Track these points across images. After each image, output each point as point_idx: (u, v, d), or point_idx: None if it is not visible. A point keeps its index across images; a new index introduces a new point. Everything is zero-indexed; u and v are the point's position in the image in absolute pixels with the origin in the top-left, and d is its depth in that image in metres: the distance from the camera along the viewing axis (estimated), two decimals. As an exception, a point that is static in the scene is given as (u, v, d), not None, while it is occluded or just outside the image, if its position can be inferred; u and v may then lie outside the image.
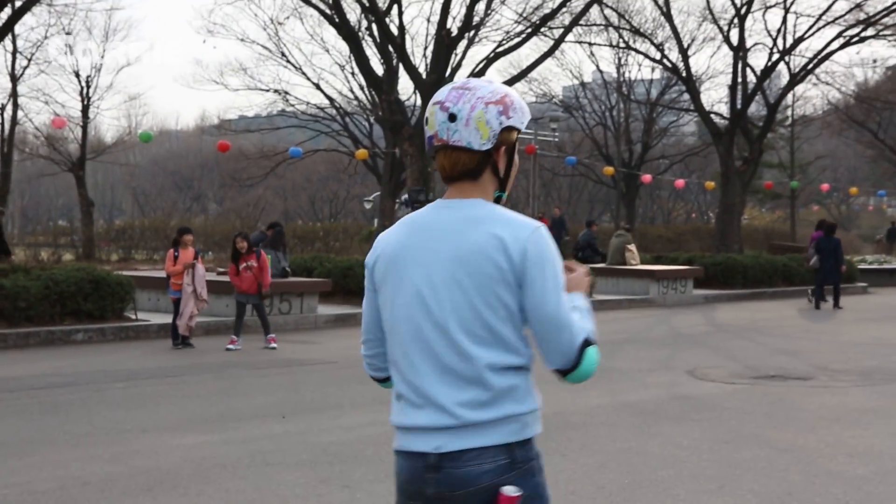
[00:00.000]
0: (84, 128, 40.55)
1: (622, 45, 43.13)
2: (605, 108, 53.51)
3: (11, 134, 38.41)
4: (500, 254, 2.79)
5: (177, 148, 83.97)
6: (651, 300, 23.57)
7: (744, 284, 26.34)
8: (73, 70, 40.37)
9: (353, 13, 32.40)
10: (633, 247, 25.90)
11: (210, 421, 9.27)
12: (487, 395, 2.80)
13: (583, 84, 53.45)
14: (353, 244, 37.35)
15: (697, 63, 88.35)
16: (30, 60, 38.05)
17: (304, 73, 40.27)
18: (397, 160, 30.62)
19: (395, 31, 28.93)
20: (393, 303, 2.90)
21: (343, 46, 35.42)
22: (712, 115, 36.86)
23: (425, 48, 34.88)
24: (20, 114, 38.80)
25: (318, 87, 40.48)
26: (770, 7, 35.60)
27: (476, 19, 29.31)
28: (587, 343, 2.94)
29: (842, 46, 34.60)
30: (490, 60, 29.43)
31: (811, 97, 79.85)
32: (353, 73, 39.49)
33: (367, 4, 27.83)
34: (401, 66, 28.99)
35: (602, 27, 40.46)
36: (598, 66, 52.57)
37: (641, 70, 53.89)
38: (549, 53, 31.34)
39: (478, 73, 29.24)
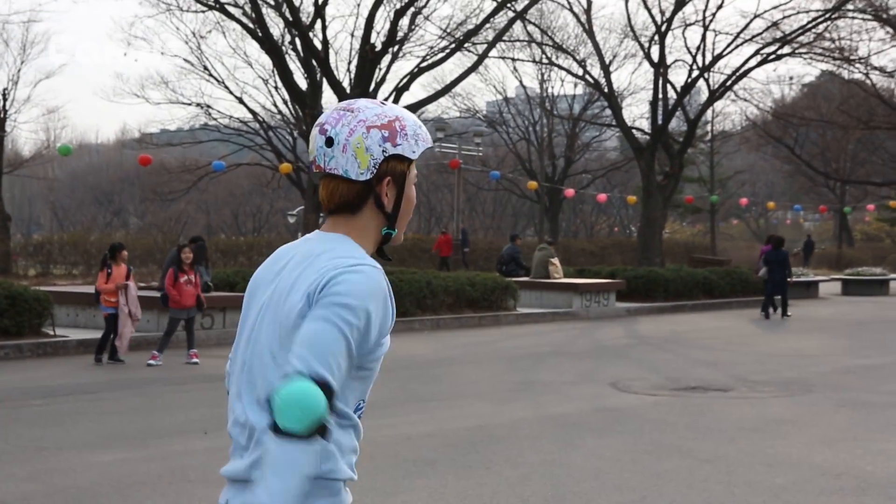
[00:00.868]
0: (0, 141, 39.79)
1: (545, 60, 43.62)
2: (529, 123, 53.95)
3: (-75, 147, 37.57)
4: (307, 288, 2.45)
5: (97, 162, 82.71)
6: (574, 313, 23.74)
7: (665, 297, 26.65)
8: (-11, 82, 39.65)
9: (276, 27, 32.27)
10: (556, 260, 26.06)
11: (130, 438, 9.12)
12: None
13: (506, 99, 53.86)
14: (277, 259, 37.05)
15: (619, 79, 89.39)
16: (-56, 72, 37.38)
17: (226, 87, 39.93)
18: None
19: (318, 45, 28.87)
20: (238, 338, 2.63)
21: (266, 60, 35.23)
22: (634, 131, 37.30)
23: (349, 62, 34.80)
24: (-66, 126, 38.00)
25: (241, 100, 40.16)
26: (689, 25, 36.18)
27: (400, 34, 29.37)
28: (320, 381, 2.31)
29: (759, 64, 35.27)
30: (414, 75, 29.54)
31: (730, 113, 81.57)
32: (276, 88, 39.26)
33: (291, 19, 27.77)
34: (325, 80, 28.91)
35: (525, 43, 40.87)
36: (521, 82, 53.08)
37: (564, 86, 54.77)
38: (473, 69, 31.57)
39: (402, 87, 29.31)
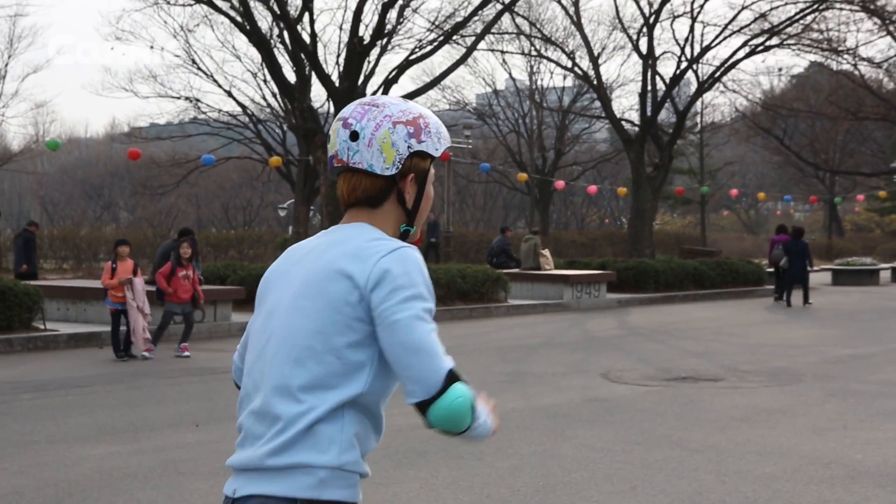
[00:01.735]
0: (-11, 136, 39.70)
1: (534, 53, 43.60)
2: (518, 116, 53.97)
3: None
4: (346, 276, 2.44)
5: (86, 156, 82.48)
6: (565, 304, 23.77)
7: (656, 288, 26.69)
8: (-24, 78, 39.51)
9: (264, 21, 32.21)
10: (546, 252, 26.12)
11: (121, 431, 9.12)
12: (285, 431, 2.44)
13: (496, 91, 53.85)
14: (268, 252, 37.10)
15: (608, 71, 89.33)
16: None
17: (215, 81, 39.89)
18: (311, 168, 30.47)
19: (307, 38, 28.80)
20: (251, 326, 2.64)
21: (255, 54, 35.20)
22: (623, 122, 37.31)
23: (338, 56, 34.77)
24: (-78, 122, 37.87)
25: (230, 94, 40.14)
26: (678, 17, 36.18)
27: (388, 27, 29.32)
28: (454, 376, 2.39)
29: (748, 55, 35.29)
30: (403, 68, 29.48)
31: (719, 105, 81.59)
32: (265, 81, 39.24)
33: (279, 12, 27.70)
34: (313, 73, 28.87)
35: (514, 35, 40.85)
36: (510, 74, 53.17)
37: (553, 78, 54.60)
38: (462, 61, 31.53)
39: (391, 80, 29.27)
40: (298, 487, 2.41)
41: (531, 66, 50.79)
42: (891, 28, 36.57)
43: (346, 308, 2.42)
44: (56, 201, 71.61)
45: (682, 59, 35.91)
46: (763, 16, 34.43)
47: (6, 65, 64.83)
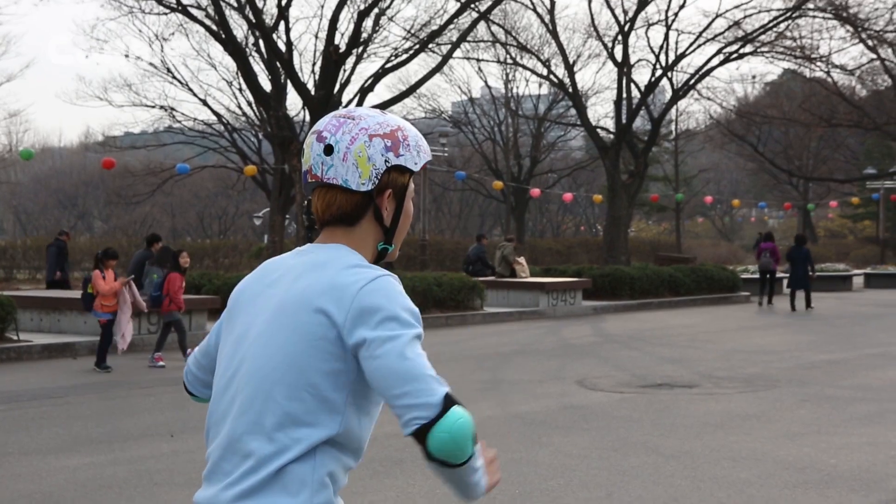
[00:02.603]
0: (-38, 145, 39.46)
1: (510, 61, 43.74)
2: (494, 124, 54.07)
3: None
4: (323, 313, 2.31)
5: (60, 165, 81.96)
6: (541, 312, 23.80)
7: (631, 295, 26.77)
8: (-51, 86, 39.31)
9: (239, 29, 32.16)
10: (522, 259, 26.16)
11: (95, 442, 9.08)
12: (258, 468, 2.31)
13: (471, 99, 53.96)
14: (243, 261, 36.99)
15: (583, 79, 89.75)
16: None
17: (190, 90, 39.76)
18: (286, 176, 30.40)
19: (282, 47, 28.79)
20: (222, 351, 2.49)
21: (230, 62, 35.10)
22: (598, 130, 37.44)
23: (314, 64, 34.76)
24: None
25: (205, 103, 40.01)
26: (652, 25, 36.36)
27: (364, 35, 29.34)
28: (452, 400, 2.27)
29: (722, 63, 35.49)
30: (378, 76, 29.50)
31: (694, 112, 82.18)
32: (240, 89, 39.14)
33: (254, 20, 27.66)
34: (289, 82, 28.84)
35: (489, 43, 40.98)
36: (486, 82, 53.22)
37: (529, 86, 54.83)
38: (438, 69, 31.54)
39: (366, 88, 29.27)
40: None
41: (507, 74, 50.95)
42: (863, 36, 36.87)
43: (321, 343, 2.31)
44: (30, 211, 71.17)
45: (657, 66, 36.08)
46: (737, 24, 34.67)
47: (-21, 74, 64.81)
